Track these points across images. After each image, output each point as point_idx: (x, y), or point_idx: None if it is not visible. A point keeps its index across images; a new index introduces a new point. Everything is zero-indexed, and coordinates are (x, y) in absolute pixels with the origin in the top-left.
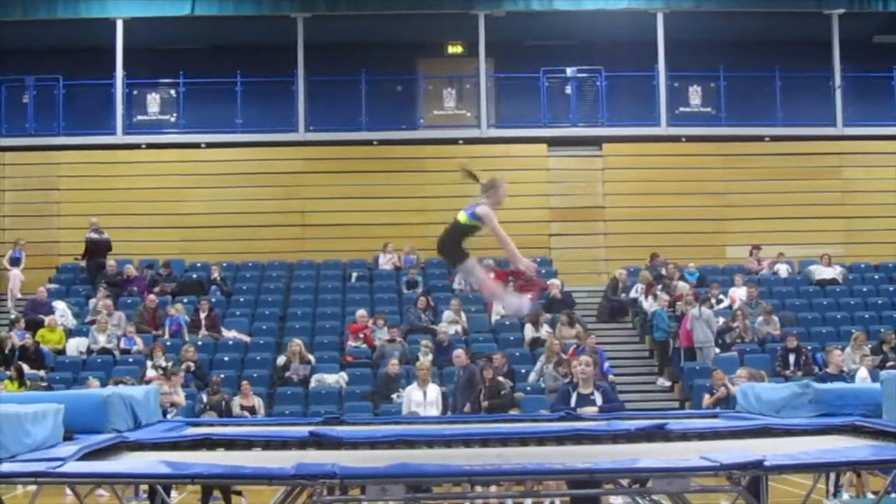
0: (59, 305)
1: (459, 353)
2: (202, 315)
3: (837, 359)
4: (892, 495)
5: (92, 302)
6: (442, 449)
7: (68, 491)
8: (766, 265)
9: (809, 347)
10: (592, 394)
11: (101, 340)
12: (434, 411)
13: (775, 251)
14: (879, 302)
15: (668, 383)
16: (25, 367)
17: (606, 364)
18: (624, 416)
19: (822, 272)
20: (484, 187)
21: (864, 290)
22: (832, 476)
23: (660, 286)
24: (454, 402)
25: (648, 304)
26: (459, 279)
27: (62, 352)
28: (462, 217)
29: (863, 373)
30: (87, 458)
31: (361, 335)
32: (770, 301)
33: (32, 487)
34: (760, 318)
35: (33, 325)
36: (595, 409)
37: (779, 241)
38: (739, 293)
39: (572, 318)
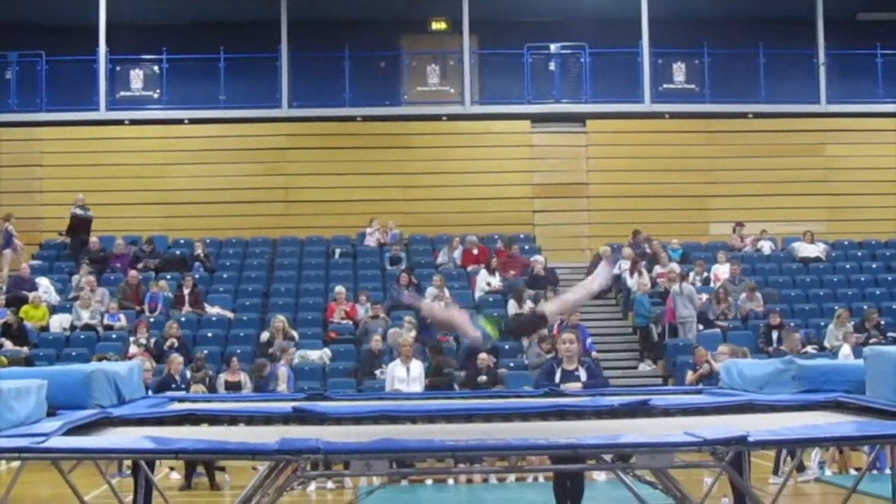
0: (43, 282)
1: (394, 332)
2: (185, 291)
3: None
4: (875, 472)
5: (75, 278)
6: (425, 425)
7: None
8: (749, 242)
9: (793, 324)
10: (577, 370)
11: (85, 317)
12: (417, 387)
13: (758, 228)
14: (863, 279)
15: (649, 368)
16: (8, 344)
17: (589, 340)
18: (608, 393)
19: (805, 249)
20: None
21: (848, 267)
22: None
23: (644, 262)
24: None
25: (633, 282)
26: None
27: (46, 328)
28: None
29: (846, 349)
30: (71, 434)
31: (343, 311)
32: (753, 278)
33: (16, 463)
34: (744, 296)
35: (16, 302)
36: (579, 384)
37: (762, 218)
38: (723, 270)
39: (556, 294)
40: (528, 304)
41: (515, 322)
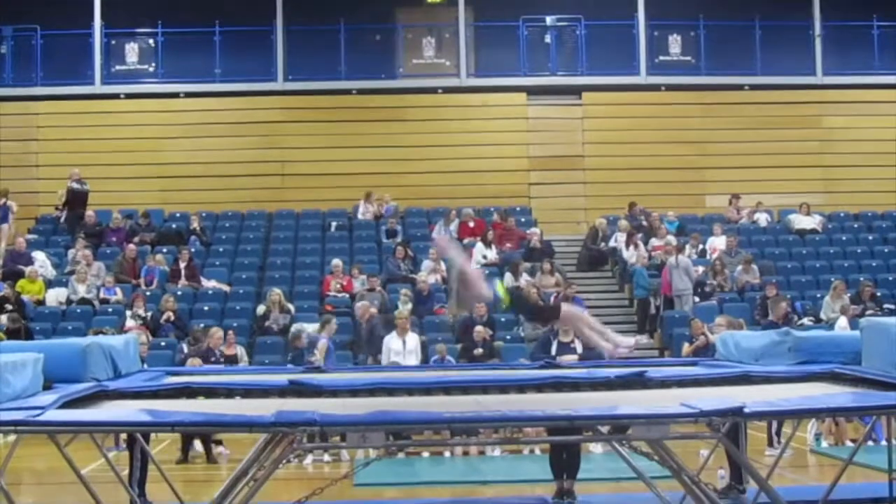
0: (39, 256)
1: (361, 306)
2: (181, 265)
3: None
4: (871, 443)
5: (71, 252)
6: (422, 397)
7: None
8: (745, 214)
9: (789, 296)
10: (573, 342)
11: (81, 291)
12: (413, 360)
13: (754, 200)
14: (859, 251)
15: (647, 341)
16: (2, 318)
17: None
18: (604, 365)
19: (801, 221)
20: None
21: (844, 239)
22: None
23: (640, 235)
24: (364, 355)
25: (629, 254)
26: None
27: (42, 302)
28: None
29: (842, 321)
30: (67, 407)
31: (339, 284)
32: (749, 250)
33: (12, 437)
34: (740, 268)
35: (12, 276)
36: (575, 357)
37: (758, 191)
38: (719, 243)
39: (552, 266)
40: (525, 278)
41: (529, 304)
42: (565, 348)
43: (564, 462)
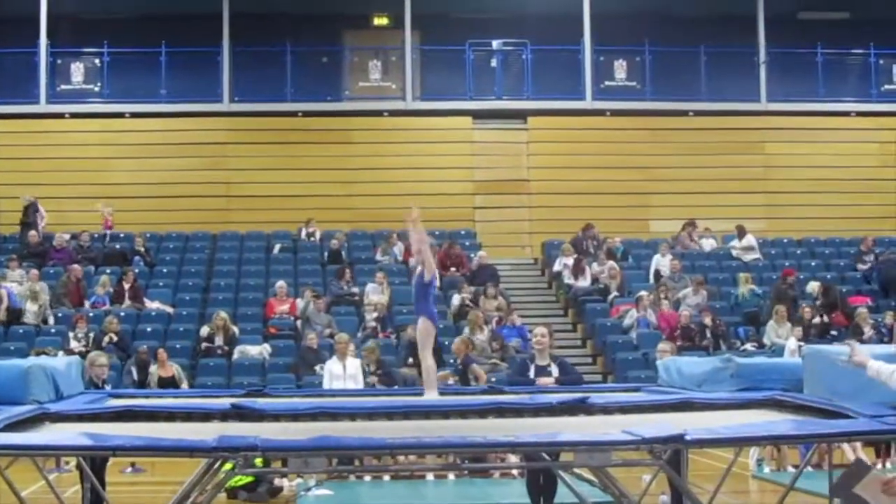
0: None
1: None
2: (126, 286)
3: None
4: (810, 468)
5: (12, 273)
6: (364, 422)
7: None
8: (690, 238)
9: (734, 321)
10: (549, 365)
11: (32, 311)
12: (353, 384)
13: (702, 226)
14: (801, 277)
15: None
16: None
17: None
18: (562, 391)
19: (740, 245)
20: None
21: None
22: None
23: (587, 259)
24: None
25: (570, 279)
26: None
27: None
28: None
29: (791, 344)
30: (8, 430)
31: (283, 306)
32: (693, 275)
33: None
34: (690, 289)
35: None
36: (551, 380)
37: (702, 216)
38: (663, 263)
39: (496, 290)
40: (465, 297)
41: None
42: (542, 371)
43: (542, 487)
